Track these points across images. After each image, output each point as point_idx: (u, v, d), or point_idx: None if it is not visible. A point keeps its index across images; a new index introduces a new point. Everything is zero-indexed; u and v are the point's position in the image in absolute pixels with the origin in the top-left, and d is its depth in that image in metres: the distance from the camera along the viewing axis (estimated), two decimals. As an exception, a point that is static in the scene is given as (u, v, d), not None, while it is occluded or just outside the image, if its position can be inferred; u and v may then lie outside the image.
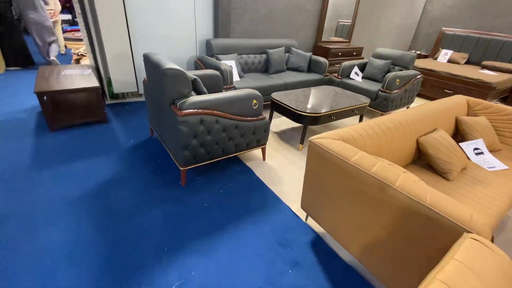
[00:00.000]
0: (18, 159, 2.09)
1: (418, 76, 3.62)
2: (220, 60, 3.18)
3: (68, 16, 6.95)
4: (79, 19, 3.01)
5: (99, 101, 2.69)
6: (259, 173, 2.20)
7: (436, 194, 0.92)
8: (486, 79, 4.03)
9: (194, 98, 1.75)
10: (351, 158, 1.12)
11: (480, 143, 1.91)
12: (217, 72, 2.59)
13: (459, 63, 5.39)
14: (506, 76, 4.47)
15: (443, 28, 5.80)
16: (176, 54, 3.42)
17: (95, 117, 2.74)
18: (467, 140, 1.97)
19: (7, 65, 4.36)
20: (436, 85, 4.53)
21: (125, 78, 3.13)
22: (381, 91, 3.30)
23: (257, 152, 2.51)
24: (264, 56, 3.71)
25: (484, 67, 5.05)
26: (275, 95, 2.77)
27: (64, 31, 6.52)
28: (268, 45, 3.73)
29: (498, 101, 5.03)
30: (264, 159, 2.38)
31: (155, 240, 1.50)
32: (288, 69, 3.93)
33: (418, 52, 6.20)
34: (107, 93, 3.26)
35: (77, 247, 1.42)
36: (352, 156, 1.12)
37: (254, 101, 2.04)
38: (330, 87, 3.27)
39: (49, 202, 1.70)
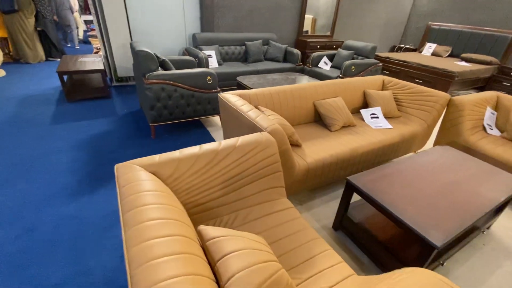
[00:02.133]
0: (42, 117, 2.93)
1: (379, 64, 4.07)
2: (201, 50, 3.87)
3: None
4: (94, 18, 3.84)
5: (104, 82, 3.51)
6: (214, 134, 2.86)
7: (262, 117, 1.52)
8: (450, 68, 4.35)
9: (158, 72, 2.44)
10: (234, 101, 1.75)
11: (377, 110, 2.42)
12: (192, 58, 3.29)
13: (441, 56, 5.65)
14: (478, 67, 4.73)
15: (430, 22, 6.06)
16: (169, 45, 4.17)
17: (101, 94, 3.55)
18: (369, 107, 2.48)
19: (45, 56, 5.40)
20: (408, 75, 4.90)
21: (126, 64, 3.93)
22: (339, 76, 3.81)
23: (217, 120, 3.17)
24: (243, 47, 4.35)
25: (462, 59, 5.30)
26: (240, 78, 3.40)
27: (90, 30, 7.60)
28: (248, 38, 4.36)
29: (476, 90, 5.27)
30: (221, 125, 3.03)
31: (123, 165, 2.22)
32: (266, 59, 4.53)
33: (407, 46, 6.48)
34: (113, 77, 4.09)
35: (75, 165, 2.18)
36: (234, 100, 1.75)
37: (208, 78, 2.69)
38: (295, 73, 3.83)
39: (61, 142, 2.49)
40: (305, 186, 1.80)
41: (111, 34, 3.66)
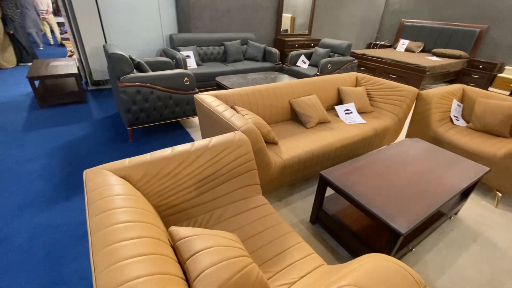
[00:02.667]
0: (13, 124, 2.81)
1: (354, 61, 4.19)
2: (179, 51, 3.84)
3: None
4: (65, 20, 3.72)
5: (79, 86, 3.41)
6: (194, 135, 2.86)
7: (237, 117, 1.55)
8: (422, 63, 4.54)
9: (133, 74, 2.41)
10: (209, 102, 1.76)
11: (351, 106, 2.50)
12: (169, 60, 3.26)
13: (414, 52, 5.88)
14: (448, 61, 4.96)
15: (402, 19, 6.29)
16: (145, 47, 4.10)
17: (76, 98, 3.45)
18: (344, 104, 2.56)
19: (17, 61, 5.16)
20: (383, 71, 5.07)
21: (102, 67, 3.83)
22: (317, 74, 3.89)
23: (197, 121, 3.16)
24: (222, 47, 4.35)
25: (434, 54, 5.54)
26: (219, 78, 3.40)
27: (63, 32, 7.34)
28: (226, 38, 4.37)
29: (447, 83, 5.52)
30: (199, 126, 3.03)
31: (100, 170, 2.18)
32: (246, 59, 4.55)
33: (383, 42, 6.70)
34: (89, 80, 3.98)
35: (49, 172, 2.12)
36: (210, 101, 1.77)
37: (186, 78, 2.68)
38: (274, 72, 3.86)
39: (34, 149, 2.41)
40: (283, 183, 1.84)
41: (84, 36, 3.56)
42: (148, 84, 2.44)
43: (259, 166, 1.59)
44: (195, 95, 1.93)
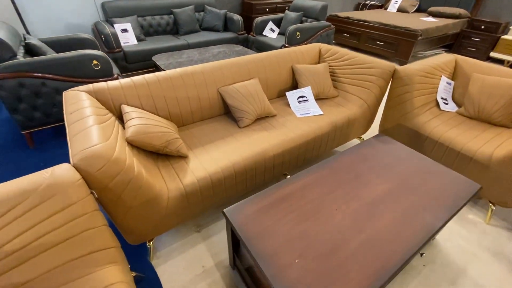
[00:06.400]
0: None
1: (331, 27, 3.47)
2: (113, 24, 3.12)
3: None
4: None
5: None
6: (119, 133, 2.29)
7: (86, 134, 0.99)
8: (413, 26, 3.80)
9: (9, 62, 1.78)
10: (69, 104, 1.18)
11: (307, 91, 1.91)
12: (89, 36, 2.59)
13: (408, 12, 5.07)
14: (445, 22, 4.21)
15: (396, -28, 5.35)
16: (77, 20, 3.35)
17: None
18: (299, 88, 1.96)
19: None
20: (370, 37, 4.32)
21: (21, 48, 3.14)
22: (284, 46, 3.21)
23: (128, 114, 2.58)
24: (172, 16, 3.60)
25: (430, 14, 4.74)
26: (156, 57, 2.75)
27: None
28: (175, 4, 3.59)
29: (444, 48, 4.80)
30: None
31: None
32: (204, 29, 3.81)
33: (373, 2, 5.80)
34: (10, 65, 3.30)
35: None
36: (72, 102, 1.19)
37: (95, 62, 2.05)
38: (231, 45, 3.19)
39: None
40: (193, 213, 1.33)
41: (-14, 10, 2.83)
42: (35, 74, 1.83)
43: (136, 203, 1.06)
44: (64, 92, 1.34)
